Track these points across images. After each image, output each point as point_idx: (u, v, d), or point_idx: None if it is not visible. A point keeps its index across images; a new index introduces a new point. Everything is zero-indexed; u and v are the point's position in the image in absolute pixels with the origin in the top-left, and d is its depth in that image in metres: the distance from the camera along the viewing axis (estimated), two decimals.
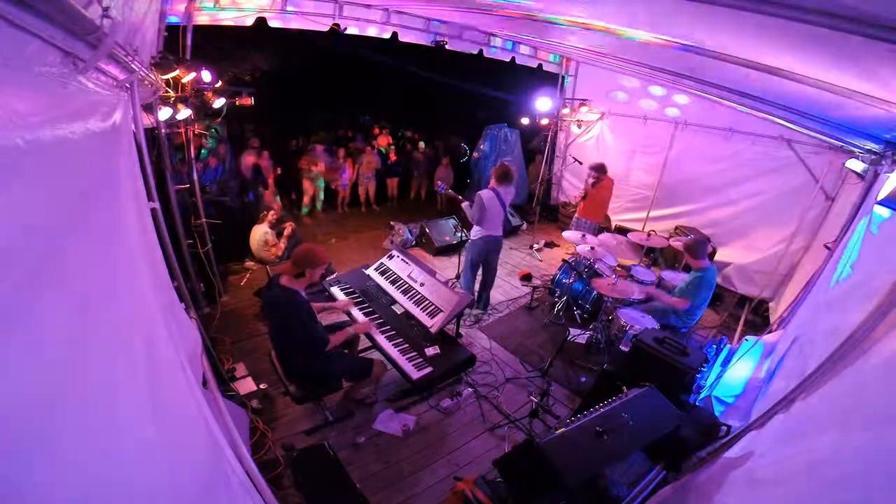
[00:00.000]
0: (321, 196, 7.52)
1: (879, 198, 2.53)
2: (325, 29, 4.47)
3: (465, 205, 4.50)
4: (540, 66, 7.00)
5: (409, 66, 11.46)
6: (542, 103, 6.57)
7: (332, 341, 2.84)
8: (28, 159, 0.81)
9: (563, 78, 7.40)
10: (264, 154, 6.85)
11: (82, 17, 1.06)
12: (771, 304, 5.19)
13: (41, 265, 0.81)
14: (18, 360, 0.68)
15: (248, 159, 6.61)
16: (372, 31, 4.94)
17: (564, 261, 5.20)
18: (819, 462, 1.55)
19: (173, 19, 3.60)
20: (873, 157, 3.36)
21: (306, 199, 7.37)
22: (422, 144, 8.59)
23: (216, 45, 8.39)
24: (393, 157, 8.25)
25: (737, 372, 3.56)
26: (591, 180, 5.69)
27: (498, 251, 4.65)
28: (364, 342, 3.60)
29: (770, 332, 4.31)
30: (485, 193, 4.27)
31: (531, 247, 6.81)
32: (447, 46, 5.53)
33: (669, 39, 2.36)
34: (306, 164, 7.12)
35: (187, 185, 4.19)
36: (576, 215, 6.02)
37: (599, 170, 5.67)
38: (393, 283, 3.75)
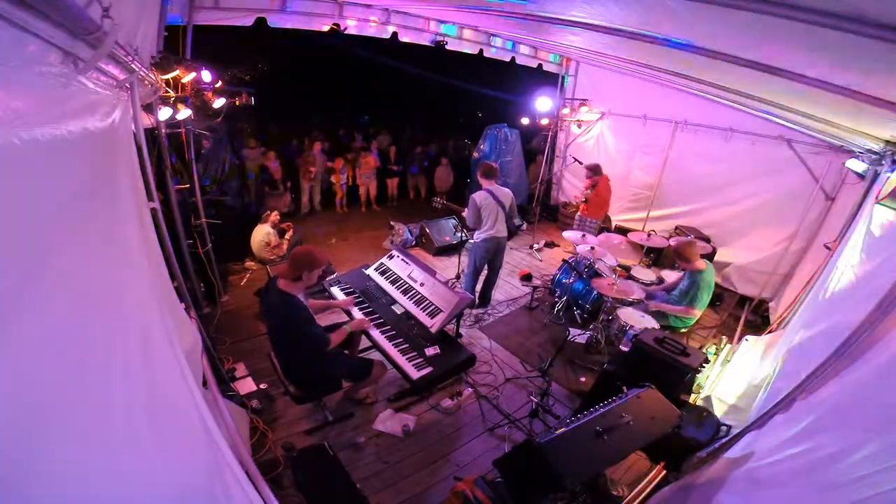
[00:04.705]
0: (318, 196, 7.54)
1: (879, 198, 2.54)
2: (326, 29, 4.47)
3: (465, 213, 4.49)
4: (540, 66, 7.01)
5: (409, 66, 11.46)
6: (542, 103, 6.59)
7: (332, 340, 2.84)
8: (28, 159, 0.81)
9: (563, 78, 7.41)
10: (270, 155, 6.88)
11: (82, 17, 1.06)
12: (771, 304, 5.19)
13: (40, 264, 0.81)
14: (15, 362, 0.68)
15: (250, 155, 6.68)
16: (372, 31, 4.95)
17: (564, 261, 5.20)
18: (819, 462, 1.55)
19: (174, 20, 3.60)
20: (873, 156, 3.36)
21: (304, 199, 7.40)
22: (417, 148, 8.60)
23: (216, 45, 8.39)
24: (393, 157, 8.26)
25: (737, 372, 3.56)
26: (588, 182, 5.72)
27: (502, 252, 4.64)
28: (364, 342, 3.60)
29: (770, 332, 4.31)
30: (478, 195, 4.28)
31: (531, 247, 6.82)
32: (447, 46, 5.53)
33: (669, 39, 2.36)
34: (303, 164, 7.16)
35: (187, 185, 4.19)
36: (578, 213, 6.03)
37: (594, 171, 5.70)
38: (393, 283, 3.75)
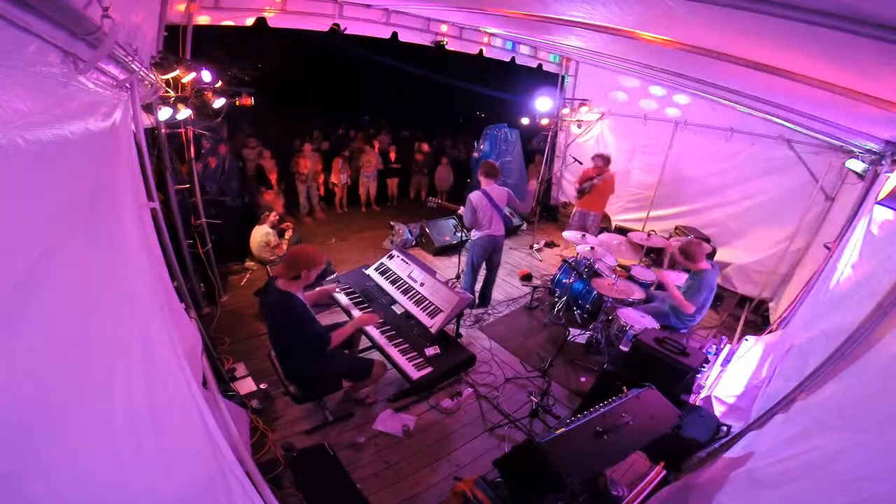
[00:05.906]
0: (315, 197, 7.53)
1: (879, 198, 2.53)
2: (325, 29, 4.47)
3: (460, 211, 4.50)
4: (540, 66, 7.00)
5: (409, 66, 11.47)
6: (542, 103, 6.58)
7: (333, 338, 2.80)
8: (28, 159, 0.81)
9: (563, 78, 7.41)
10: (266, 154, 6.88)
11: (82, 17, 1.06)
12: (771, 304, 5.20)
13: (41, 265, 0.81)
14: (17, 361, 0.68)
15: (250, 155, 6.68)
16: (372, 31, 4.95)
17: (564, 261, 5.20)
18: (819, 462, 1.55)
19: (174, 20, 3.60)
20: (873, 157, 3.36)
21: (302, 200, 7.39)
22: (425, 145, 8.57)
23: (216, 45, 8.40)
24: (393, 156, 8.25)
25: (737, 372, 3.56)
26: (595, 171, 5.67)
27: (500, 250, 4.65)
28: (364, 342, 3.60)
29: (770, 332, 4.31)
30: (473, 195, 4.29)
31: (531, 247, 6.81)
32: (447, 46, 5.53)
33: (670, 40, 2.36)
34: (293, 166, 7.18)
35: (187, 185, 4.19)
36: (578, 208, 5.98)
37: (605, 160, 5.67)
38: (393, 283, 3.75)
